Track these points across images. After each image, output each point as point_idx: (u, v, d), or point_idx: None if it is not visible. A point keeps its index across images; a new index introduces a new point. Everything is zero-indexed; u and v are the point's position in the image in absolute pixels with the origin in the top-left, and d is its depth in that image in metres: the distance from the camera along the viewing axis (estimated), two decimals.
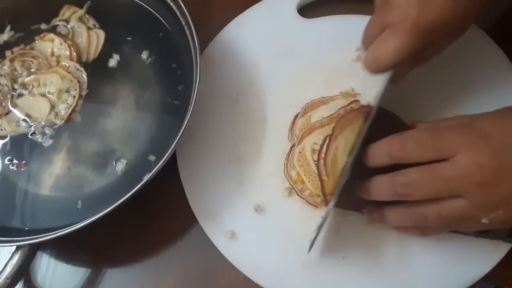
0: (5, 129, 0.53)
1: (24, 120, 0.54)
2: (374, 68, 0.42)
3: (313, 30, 0.57)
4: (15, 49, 0.57)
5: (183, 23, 0.52)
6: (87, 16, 0.58)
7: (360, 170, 0.42)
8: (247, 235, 0.49)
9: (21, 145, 0.53)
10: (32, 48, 0.57)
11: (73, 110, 0.53)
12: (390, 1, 0.41)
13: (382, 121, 0.44)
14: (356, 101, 0.49)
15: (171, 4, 0.53)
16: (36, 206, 0.50)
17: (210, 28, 0.58)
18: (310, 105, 0.51)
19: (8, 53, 0.57)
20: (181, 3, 0.52)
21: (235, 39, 0.57)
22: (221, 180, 0.51)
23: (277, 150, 0.51)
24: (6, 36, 0.58)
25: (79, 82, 0.54)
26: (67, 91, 0.54)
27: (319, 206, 0.48)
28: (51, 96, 0.54)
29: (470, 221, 0.39)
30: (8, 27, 0.58)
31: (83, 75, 0.55)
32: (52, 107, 0.54)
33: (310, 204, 0.48)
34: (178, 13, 0.52)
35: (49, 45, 0.56)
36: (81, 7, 0.58)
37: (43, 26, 0.58)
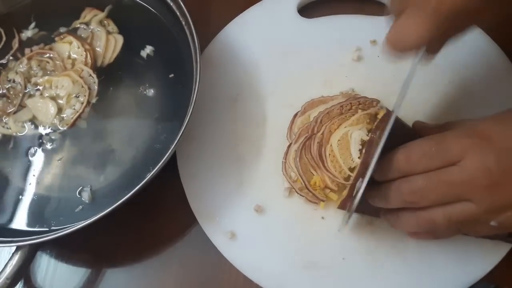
0: (10, 128, 0.53)
1: (29, 121, 0.53)
2: (398, 49, 0.38)
3: (313, 30, 0.57)
4: (35, 48, 0.57)
5: (183, 23, 0.52)
6: (106, 20, 0.58)
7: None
8: (247, 236, 0.49)
9: (23, 146, 0.53)
10: (51, 49, 0.56)
11: (79, 117, 0.53)
12: None
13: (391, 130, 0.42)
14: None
15: (171, 4, 0.53)
16: (36, 206, 0.50)
17: (210, 28, 0.58)
18: (309, 104, 0.51)
19: (27, 50, 0.56)
20: (181, 3, 0.52)
21: (235, 39, 0.57)
22: (221, 180, 0.51)
23: (277, 150, 0.51)
24: (30, 32, 0.58)
25: (89, 89, 0.54)
26: (76, 96, 0.53)
27: (319, 202, 0.48)
28: (60, 100, 0.54)
29: (479, 225, 0.38)
30: (33, 24, 0.58)
31: (95, 82, 0.54)
32: (59, 110, 0.53)
33: (310, 201, 0.48)
34: (178, 13, 0.52)
35: (67, 47, 0.56)
36: (102, 10, 0.58)
37: (63, 29, 0.58)
